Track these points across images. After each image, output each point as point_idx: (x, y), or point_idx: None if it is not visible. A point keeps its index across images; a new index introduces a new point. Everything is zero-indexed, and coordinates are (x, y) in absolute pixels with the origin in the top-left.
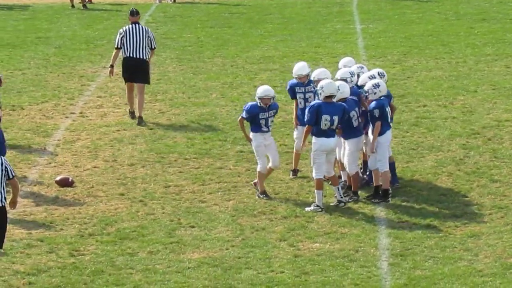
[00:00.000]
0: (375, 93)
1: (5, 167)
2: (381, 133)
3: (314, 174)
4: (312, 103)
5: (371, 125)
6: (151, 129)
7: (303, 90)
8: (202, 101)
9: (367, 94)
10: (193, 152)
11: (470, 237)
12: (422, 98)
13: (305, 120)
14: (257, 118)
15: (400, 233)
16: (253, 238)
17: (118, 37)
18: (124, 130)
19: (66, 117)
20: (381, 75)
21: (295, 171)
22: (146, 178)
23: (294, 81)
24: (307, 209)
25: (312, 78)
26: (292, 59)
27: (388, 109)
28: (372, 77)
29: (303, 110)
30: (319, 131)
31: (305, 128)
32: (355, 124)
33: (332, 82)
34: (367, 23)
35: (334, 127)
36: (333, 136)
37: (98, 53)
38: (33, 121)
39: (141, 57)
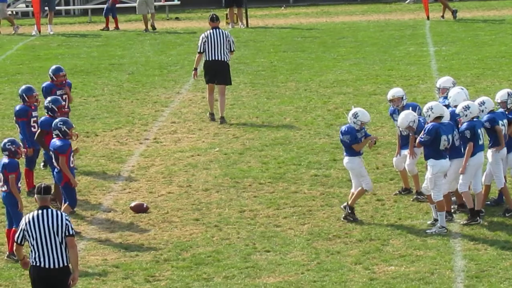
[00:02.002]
0: (466, 115)
1: (66, 224)
2: (472, 154)
3: (434, 197)
4: (429, 124)
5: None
6: (225, 154)
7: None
8: (276, 126)
9: (459, 116)
10: (268, 177)
11: None
12: None
13: (421, 140)
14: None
15: (475, 254)
16: (328, 262)
17: (200, 42)
18: (198, 155)
19: (140, 143)
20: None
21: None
22: (221, 203)
23: (392, 108)
24: (428, 231)
25: (438, 86)
26: (365, 83)
27: (480, 131)
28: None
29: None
30: (437, 152)
31: (417, 145)
32: (457, 143)
33: (438, 103)
34: (440, 46)
35: (449, 146)
36: (447, 157)
37: (171, 78)
38: (107, 148)
39: (223, 59)
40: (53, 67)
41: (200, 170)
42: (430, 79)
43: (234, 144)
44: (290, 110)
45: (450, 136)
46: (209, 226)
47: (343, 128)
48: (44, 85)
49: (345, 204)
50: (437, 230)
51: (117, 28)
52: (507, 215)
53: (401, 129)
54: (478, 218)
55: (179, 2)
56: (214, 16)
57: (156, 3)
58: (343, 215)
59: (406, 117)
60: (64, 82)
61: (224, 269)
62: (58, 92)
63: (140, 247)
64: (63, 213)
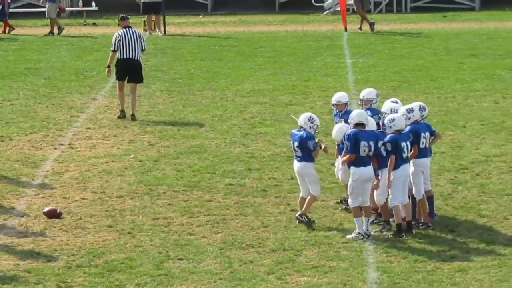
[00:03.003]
0: (390, 127)
1: None
2: (394, 167)
3: (350, 203)
4: (349, 131)
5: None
6: (140, 161)
7: (337, 121)
8: (192, 134)
9: (385, 128)
10: (182, 185)
11: (458, 271)
12: None
13: (347, 150)
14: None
15: (388, 267)
16: (241, 271)
17: (114, 40)
18: (113, 162)
19: (55, 148)
20: (409, 110)
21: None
22: (135, 210)
23: (335, 111)
24: (348, 236)
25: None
26: (282, 93)
27: (404, 144)
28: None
29: None
30: (358, 160)
31: (345, 157)
32: (385, 153)
33: (362, 111)
34: (357, 57)
35: (371, 153)
36: (370, 164)
37: (87, 84)
38: (22, 152)
39: (136, 58)
40: None
41: (114, 177)
42: (347, 91)
43: (149, 151)
44: (206, 119)
45: (371, 143)
46: (123, 233)
47: (303, 133)
48: None
49: (299, 213)
50: (354, 236)
51: (4, 32)
52: (420, 227)
53: (337, 142)
54: (403, 233)
55: (96, 8)
56: (124, 15)
57: (74, 9)
58: (298, 221)
59: (340, 129)
60: None
61: (136, 276)
62: None
63: (52, 253)
64: None
